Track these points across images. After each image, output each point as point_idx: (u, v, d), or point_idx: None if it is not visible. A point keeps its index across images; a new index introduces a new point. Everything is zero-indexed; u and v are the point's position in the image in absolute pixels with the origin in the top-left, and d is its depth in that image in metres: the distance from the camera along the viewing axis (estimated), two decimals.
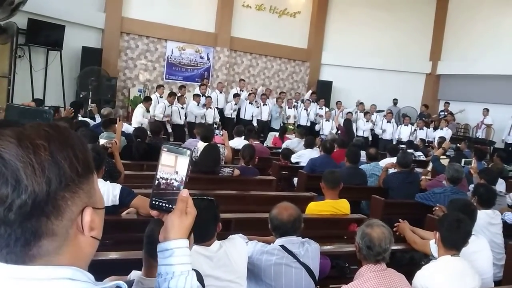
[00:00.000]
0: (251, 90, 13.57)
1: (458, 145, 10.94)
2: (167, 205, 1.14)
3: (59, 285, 0.83)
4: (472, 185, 5.67)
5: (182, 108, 11.32)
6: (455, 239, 2.92)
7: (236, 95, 12.92)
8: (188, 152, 1.14)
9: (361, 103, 14.44)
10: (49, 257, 0.83)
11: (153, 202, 1.14)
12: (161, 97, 11.23)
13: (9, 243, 0.80)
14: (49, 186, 0.80)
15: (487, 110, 13.87)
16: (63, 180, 0.81)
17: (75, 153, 0.84)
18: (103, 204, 0.95)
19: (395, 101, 15.50)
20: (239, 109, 12.95)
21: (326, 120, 13.27)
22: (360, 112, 14.24)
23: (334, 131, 12.18)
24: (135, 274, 1.93)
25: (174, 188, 1.13)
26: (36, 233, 0.81)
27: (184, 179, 1.13)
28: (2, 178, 0.78)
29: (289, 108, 13.60)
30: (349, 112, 13.73)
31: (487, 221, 4.11)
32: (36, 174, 0.79)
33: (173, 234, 1.13)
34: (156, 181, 1.13)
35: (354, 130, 13.33)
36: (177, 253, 1.12)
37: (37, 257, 0.82)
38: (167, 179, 1.13)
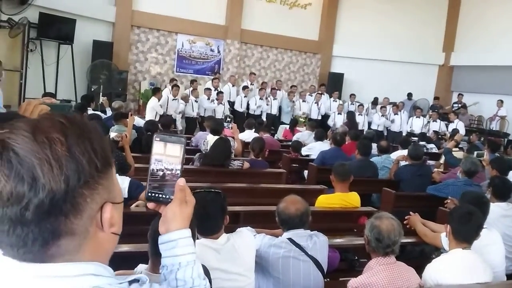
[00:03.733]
0: (261, 86, 13.50)
1: (470, 137, 10.81)
2: (164, 196, 1.10)
3: (84, 281, 0.81)
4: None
5: (196, 101, 11.35)
6: (466, 232, 2.87)
7: (245, 87, 12.90)
8: (182, 139, 1.10)
9: (375, 101, 14.34)
10: (69, 256, 0.81)
11: (149, 194, 1.10)
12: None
13: (26, 242, 0.77)
14: (67, 184, 0.76)
15: (502, 101, 13.68)
16: (81, 177, 0.78)
17: (93, 146, 0.81)
18: (122, 198, 0.92)
19: (409, 96, 15.34)
20: (248, 102, 12.93)
21: (338, 114, 13.13)
22: (372, 109, 14.13)
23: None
24: (141, 268, 1.93)
25: (170, 178, 1.09)
26: (55, 232, 0.78)
27: (180, 167, 1.10)
28: (18, 176, 0.75)
29: (303, 101, 13.43)
30: (360, 105, 13.64)
31: (500, 213, 4.05)
32: (54, 171, 0.75)
33: (175, 225, 1.10)
34: (151, 172, 1.09)
35: (367, 124, 13.26)
36: (182, 244, 1.10)
37: (56, 256, 0.80)
38: (162, 169, 1.09)
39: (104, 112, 8.70)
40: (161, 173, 1.09)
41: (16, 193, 0.74)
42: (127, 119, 6.08)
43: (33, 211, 0.75)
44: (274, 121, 12.67)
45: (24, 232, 0.76)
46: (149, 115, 9.71)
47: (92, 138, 0.82)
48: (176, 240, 1.10)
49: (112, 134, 5.21)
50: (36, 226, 0.76)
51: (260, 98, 12.74)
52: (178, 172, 1.10)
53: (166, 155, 1.09)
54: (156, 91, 10.38)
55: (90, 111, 7.77)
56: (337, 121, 12.82)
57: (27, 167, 0.75)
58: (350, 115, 12.76)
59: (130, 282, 0.90)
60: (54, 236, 0.78)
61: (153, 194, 1.10)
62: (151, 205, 1.12)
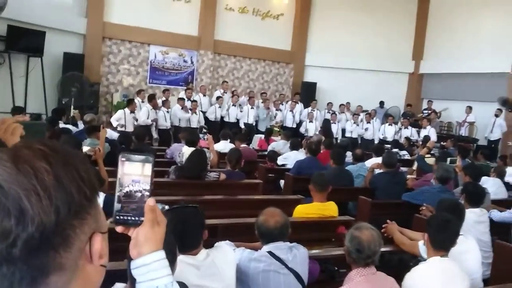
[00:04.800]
0: (234, 93, 13.56)
1: (442, 143, 11.01)
2: (133, 218, 1.03)
3: None
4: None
5: (168, 112, 11.27)
6: (444, 240, 2.91)
7: (219, 98, 12.89)
8: (150, 158, 1.03)
9: (345, 104, 14.57)
10: None
11: (117, 217, 1.02)
12: (143, 101, 11.21)
13: (12, 283, 0.70)
14: (58, 215, 0.70)
15: (470, 108, 14.02)
16: (72, 207, 0.73)
17: (80, 173, 0.76)
18: (107, 227, 0.86)
19: (381, 104, 15.59)
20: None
21: (309, 121, 13.26)
22: (341, 113, 14.36)
23: (317, 131, 12.22)
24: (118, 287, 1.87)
25: (139, 199, 1.03)
26: (44, 269, 0.71)
27: (149, 187, 1.03)
28: (3, 210, 0.68)
29: (276, 110, 13.57)
30: (334, 113, 13.80)
31: (474, 219, 4.13)
32: (43, 202, 0.69)
33: (149, 247, 1.05)
34: (118, 194, 1.01)
35: (341, 132, 13.42)
36: (157, 266, 1.06)
37: None
38: (130, 190, 1.02)
39: (76, 125, 8.53)
40: (129, 194, 1.02)
41: (2, 229, 0.68)
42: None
43: (21, 248, 0.68)
44: (251, 130, 12.68)
45: (10, 271, 0.69)
46: (115, 124, 9.74)
47: (77, 165, 0.77)
48: (151, 264, 1.06)
49: (85, 148, 5.08)
50: (24, 264, 0.69)
51: (233, 105, 12.74)
52: (147, 192, 1.03)
53: (134, 175, 1.02)
54: (130, 102, 10.31)
55: (61, 125, 7.62)
56: (309, 128, 12.95)
57: (12, 199, 0.68)
58: (326, 123, 12.87)
59: None
60: (43, 273, 0.71)
61: (121, 217, 1.03)
62: (119, 228, 1.04)
